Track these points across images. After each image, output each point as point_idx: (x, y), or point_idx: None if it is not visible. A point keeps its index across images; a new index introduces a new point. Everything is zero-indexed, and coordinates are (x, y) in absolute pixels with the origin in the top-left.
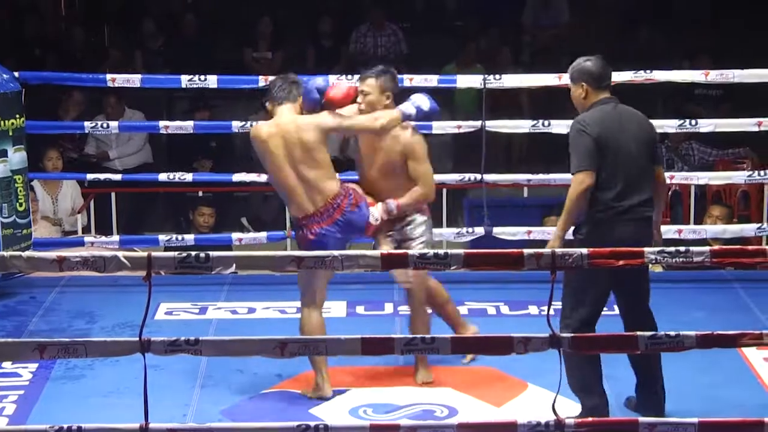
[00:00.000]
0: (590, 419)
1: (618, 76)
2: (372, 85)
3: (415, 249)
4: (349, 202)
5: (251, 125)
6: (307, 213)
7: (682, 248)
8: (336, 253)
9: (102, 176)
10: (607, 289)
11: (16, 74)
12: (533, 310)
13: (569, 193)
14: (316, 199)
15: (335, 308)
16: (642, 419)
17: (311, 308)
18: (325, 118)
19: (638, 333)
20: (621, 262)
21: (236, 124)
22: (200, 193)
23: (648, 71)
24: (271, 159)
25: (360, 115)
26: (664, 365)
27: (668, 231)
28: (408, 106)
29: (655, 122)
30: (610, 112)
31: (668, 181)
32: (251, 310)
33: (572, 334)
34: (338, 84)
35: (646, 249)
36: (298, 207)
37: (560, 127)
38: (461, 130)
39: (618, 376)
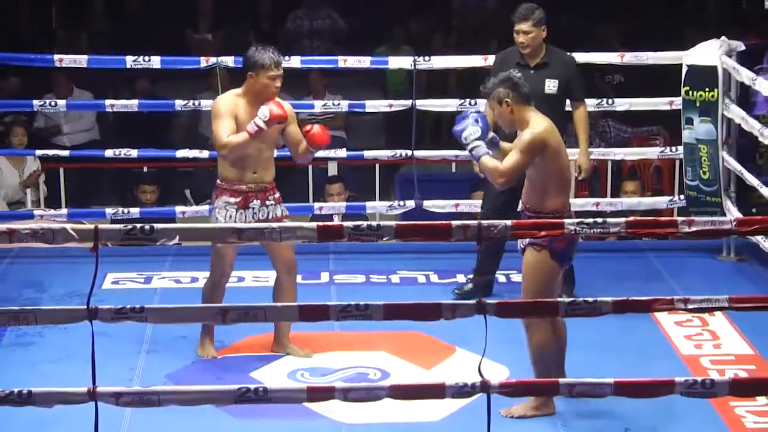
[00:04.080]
0: (514, 380)
1: None
2: None
3: None
4: None
5: (195, 104)
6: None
7: (599, 219)
8: (274, 225)
9: (51, 152)
10: None
11: None
12: (461, 278)
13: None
14: None
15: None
16: (562, 380)
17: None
18: None
19: (558, 300)
20: (543, 233)
21: (179, 103)
22: (145, 169)
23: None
24: (563, 154)
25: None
26: (584, 330)
27: (586, 204)
28: None
29: None
30: None
31: None
32: (194, 280)
33: (498, 301)
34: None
35: (566, 220)
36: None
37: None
38: (392, 109)
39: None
